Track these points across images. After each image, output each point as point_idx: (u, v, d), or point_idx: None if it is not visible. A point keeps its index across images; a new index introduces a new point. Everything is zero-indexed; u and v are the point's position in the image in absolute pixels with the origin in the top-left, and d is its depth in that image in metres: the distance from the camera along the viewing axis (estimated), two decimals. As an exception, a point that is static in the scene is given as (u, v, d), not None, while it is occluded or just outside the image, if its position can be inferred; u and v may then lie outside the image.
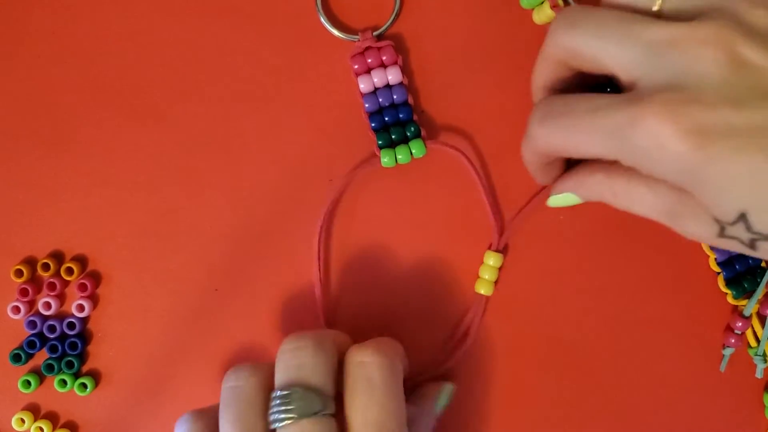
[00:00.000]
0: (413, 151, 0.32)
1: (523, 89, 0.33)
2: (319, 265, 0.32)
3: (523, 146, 0.27)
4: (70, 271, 0.33)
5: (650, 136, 0.21)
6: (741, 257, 0.33)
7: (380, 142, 0.32)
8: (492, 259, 0.32)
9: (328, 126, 0.33)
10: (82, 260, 0.33)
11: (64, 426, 0.33)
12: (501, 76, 0.33)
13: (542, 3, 0.32)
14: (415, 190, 0.33)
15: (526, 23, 0.33)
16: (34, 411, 0.33)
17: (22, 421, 0.32)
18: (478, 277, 0.33)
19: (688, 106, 0.21)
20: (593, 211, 0.33)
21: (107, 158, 0.33)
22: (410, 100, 0.33)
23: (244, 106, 0.33)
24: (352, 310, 0.33)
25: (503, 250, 0.33)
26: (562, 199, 0.28)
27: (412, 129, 0.32)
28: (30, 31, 0.34)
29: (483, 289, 0.32)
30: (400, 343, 0.28)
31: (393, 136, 0.32)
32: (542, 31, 0.33)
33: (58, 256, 0.33)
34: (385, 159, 0.32)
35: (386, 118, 0.32)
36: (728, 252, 0.33)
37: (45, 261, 0.33)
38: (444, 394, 0.30)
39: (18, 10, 0.34)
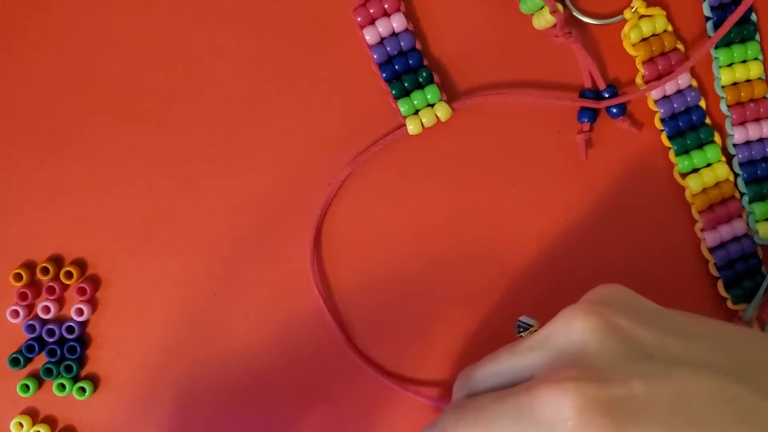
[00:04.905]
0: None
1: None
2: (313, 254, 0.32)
3: None
4: (69, 275, 0.33)
5: (549, 413, 0.22)
6: (740, 261, 0.33)
7: (394, 92, 0.32)
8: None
9: (328, 130, 0.33)
10: (81, 264, 0.33)
11: (62, 430, 0.33)
12: (500, 80, 0.34)
13: (542, 8, 0.32)
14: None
15: (525, 28, 0.33)
16: (33, 415, 0.33)
17: (21, 425, 0.32)
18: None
19: (579, 381, 0.21)
20: (593, 216, 0.33)
21: (107, 162, 0.33)
22: (418, 46, 0.33)
23: (243, 110, 0.33)
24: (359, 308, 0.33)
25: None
26: None
27: (424, 74, 0.32)
28: (30, 35, 0.34)
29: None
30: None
31: (406, 84, 0.32)
32: (542, 35, 0.33)
33: (57, 260, 0.33)
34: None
35: (396, 67, 0.32)
36: (728, 256, 0.33)
37: (44, 265, 0.33)
38: None
39: (18, 14, 0.34)
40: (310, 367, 0.33)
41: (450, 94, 0.33)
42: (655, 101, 0.33)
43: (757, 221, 0.33)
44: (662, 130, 0.33)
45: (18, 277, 0.33)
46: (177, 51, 0.34)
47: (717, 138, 0.33)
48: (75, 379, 0.33)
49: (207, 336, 0.33)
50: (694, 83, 0.33)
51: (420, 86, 0.33)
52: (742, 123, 0.33)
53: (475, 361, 0.27)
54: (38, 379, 0.33)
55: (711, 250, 0.33)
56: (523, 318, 0.27)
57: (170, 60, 0.34)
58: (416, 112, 0.33)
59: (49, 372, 0.32)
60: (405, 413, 0.33)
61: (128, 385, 0.33)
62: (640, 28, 0.32)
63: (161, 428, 0.33)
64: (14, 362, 0.32)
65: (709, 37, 0.33)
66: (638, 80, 0.33)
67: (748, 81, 0.33)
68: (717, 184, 0.33)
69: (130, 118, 0.33)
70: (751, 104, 0.33)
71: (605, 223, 0.33)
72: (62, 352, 0.33)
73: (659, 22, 0.33)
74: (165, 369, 0.33)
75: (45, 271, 0.33)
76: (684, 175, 0.33)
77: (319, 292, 0.32)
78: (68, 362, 0.32)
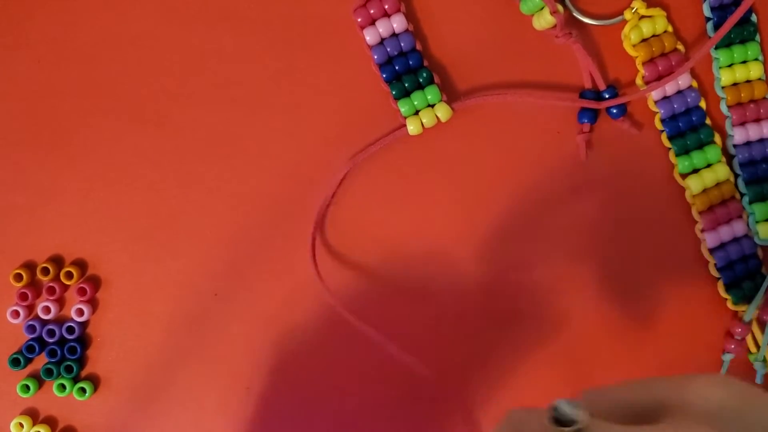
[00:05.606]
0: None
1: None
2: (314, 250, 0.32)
3: None
4: (69, 275, 0.33)
5: None
6: (740, 262, 0.33)
7: (394, 92, 0.32)
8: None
9: (328, 131, 0.33)
10: (81, 264, 0.33)
11: (63, 431, 0.33)
12: (500, 80, 0.34)
13: (542, 8, 0.32)
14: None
15: (526, 29, 0.33)
16: (33, 415, 0.33)
17: (21, 425, 0.32)
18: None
19: None
20: (593, 216, 0.33)
21: (107, 163, 0.33)
22: (418, 46, 0.33)
23: (244, 110, 0.33)
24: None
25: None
26: None
27: (424, 75, 0.32)
28: (31, 35, 0.34)
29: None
30: None
31: (406, 85, 0.32)
32: (542, 36, 0.33)
33: (57, 261, 0.33)
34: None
35: (396, 67, 0.33)
36: (728, 257, 0.33)
37: (44, 265, 0.33)
38: None
39: (19, 14, 0.34)
40: (310, 365, 0.33)
41: (450, 95, 0.33)
42: (656, 102, 0.33)
43: (757, 222, 0.33)
44: (662, 131, 0.33)
45: (18, 277, 0.33)
46: (177, 51, 0.34)
47: (717, 138, 0.33)
48: (75, 380, 0.33)
49: (207, 336, 0.33)
50: (695, 84, 0.33)
51: (420, 87, 0.33)
52: (742, 123, 0.33)
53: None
54: (38, 379, 0.33)
55: (711, 251, 0.33)
56: (563, 404, 0.18)
57: (170, 60, 0.34)
58: (416, 113, 0.33)
59: (49, 372, 0.32)
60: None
61: (128, 386, 0.33)
62: (640, 28, 0.32)
63: (161, 429, 0.33)
64: (14, 363, 0.32)
65: (710, 37, 0.33)
66: (638, 81, 0.33)
67: (748, 81, 0.33)
68: (717, 185, 0.33)
69: (131, 118, 0.33)
70: (752, 105, 0.33)
71: (605, 223, 0.33)
72: (62, 352, 0.33)
73: (659, 22, 0.33)
74: (165, 369, 0.33)
75: (45, 271, 0.33)
76: (684, 176, 0.33)
77: (327, 288, 0.32)
78: (68, 363, 0.32)
